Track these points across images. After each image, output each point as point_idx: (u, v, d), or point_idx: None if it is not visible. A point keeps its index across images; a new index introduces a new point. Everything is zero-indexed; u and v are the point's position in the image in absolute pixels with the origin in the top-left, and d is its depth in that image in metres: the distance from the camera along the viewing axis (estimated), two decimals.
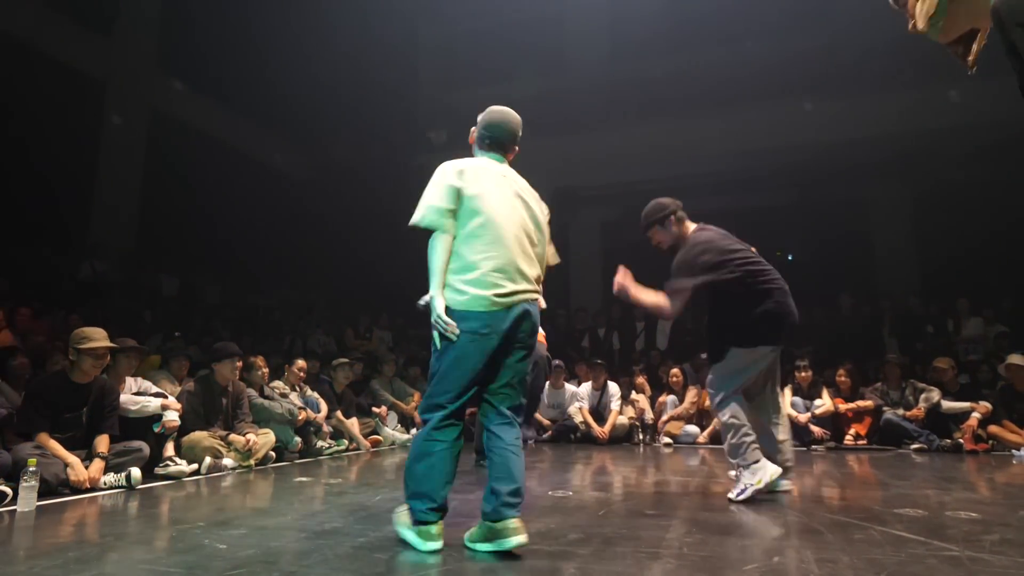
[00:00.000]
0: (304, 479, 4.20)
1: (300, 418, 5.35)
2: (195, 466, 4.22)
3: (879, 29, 10.43)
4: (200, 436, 4.38)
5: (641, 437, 7.05)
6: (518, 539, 2.13)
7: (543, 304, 2.48)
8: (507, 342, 2.27)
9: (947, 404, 6.21)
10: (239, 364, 4.84)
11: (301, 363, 5.98)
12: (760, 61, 10.83)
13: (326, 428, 5.82)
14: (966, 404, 6.13)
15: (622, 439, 7.03)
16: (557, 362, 6.80)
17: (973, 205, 9.94)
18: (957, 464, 5.07)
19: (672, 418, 7.06)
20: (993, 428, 5.90)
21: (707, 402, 6.99)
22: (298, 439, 5.32)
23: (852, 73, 10.00)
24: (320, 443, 5.60)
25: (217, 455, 4.37)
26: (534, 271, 2.38)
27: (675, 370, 7.42)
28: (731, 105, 10.63)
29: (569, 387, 7.35)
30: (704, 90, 11.03)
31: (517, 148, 2.55)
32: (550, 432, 7.10)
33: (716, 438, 6.82)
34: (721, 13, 10.87)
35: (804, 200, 10.82)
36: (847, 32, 10.57)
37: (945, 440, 6.00)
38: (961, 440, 5.94)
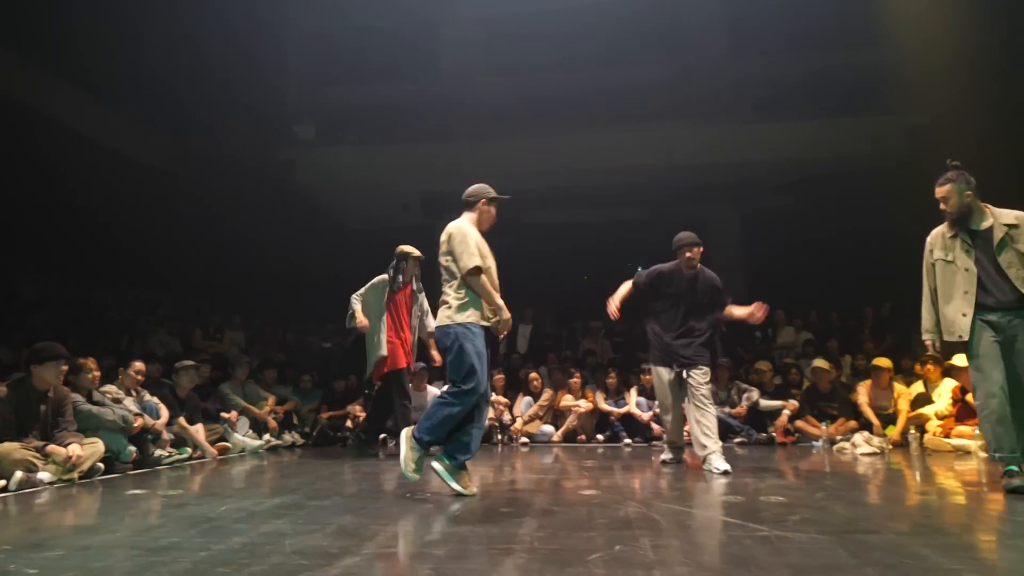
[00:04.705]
0: (138, 492, 3.84)
1: (136, 425, 4.88)
2: (3, 482, 3.72)
3: (725, 67, 11.75)
4: (10, 448, 3.85)
5: (500, 437, 7.25)
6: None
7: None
8: None
9: (764, 402, 7.03)
10: (64, 367, 4.33)
11: (139, 365, 5.46)
12: (621, 86, 11.66)
13: (166, 436, 5.36)
14: (779, 402, 6.99)
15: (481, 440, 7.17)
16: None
17: (789, 228, 11.48)
18: (770, 455, 5.76)
19: (528, 419, 7.35)
20: (799, 423, 6.76)
21: (561, 402, 7.38)
22: (133, 448, 4.86)
23: (698, 104, 11.08)
24: (159, 452, 5.16)
25: (31, 469, 3.87)
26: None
27: (534, 374, 7.73)
28: (590, 126, 11.36)
29: (431, 389, 7.37)
30: (569, 109, 11.66)
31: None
32: None
33: (570, 436, 7.21)
34: (586, 39, 11.50)
35: (653, 216, 11.75)
36: (696, 66, 11.72)
37: (761, 434, 6.79)
38: (774, 434, 6.76)
